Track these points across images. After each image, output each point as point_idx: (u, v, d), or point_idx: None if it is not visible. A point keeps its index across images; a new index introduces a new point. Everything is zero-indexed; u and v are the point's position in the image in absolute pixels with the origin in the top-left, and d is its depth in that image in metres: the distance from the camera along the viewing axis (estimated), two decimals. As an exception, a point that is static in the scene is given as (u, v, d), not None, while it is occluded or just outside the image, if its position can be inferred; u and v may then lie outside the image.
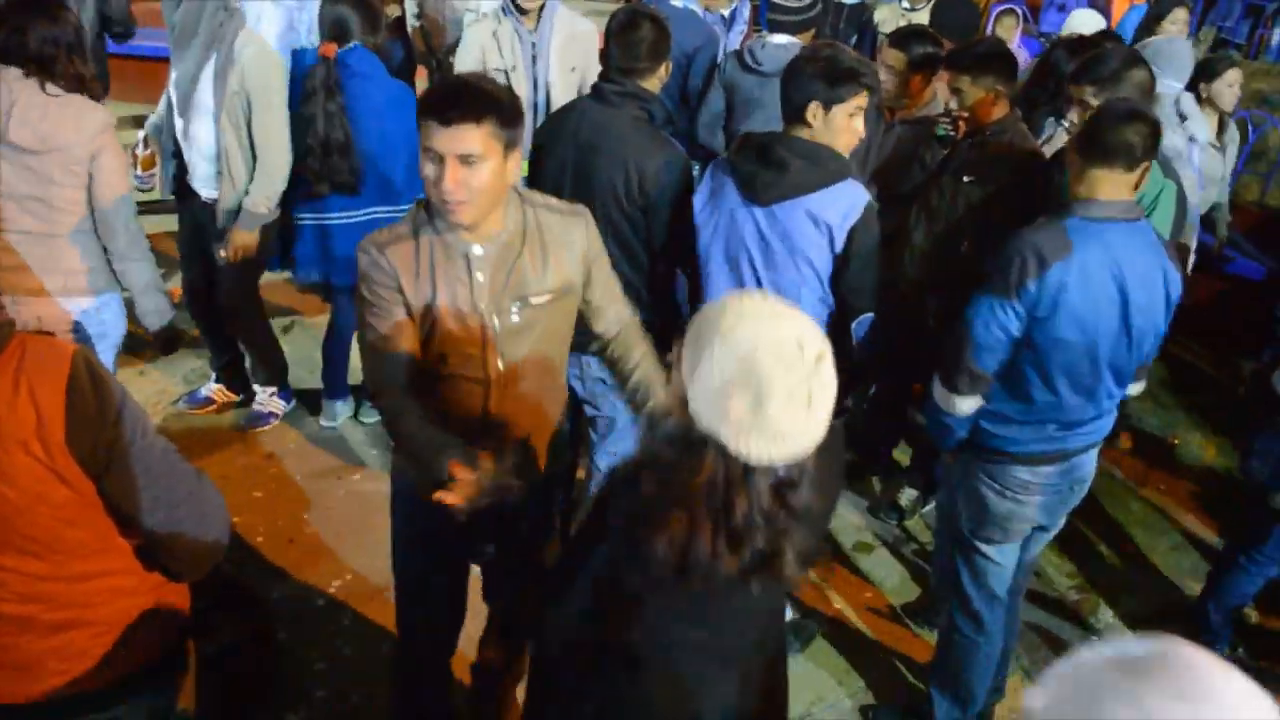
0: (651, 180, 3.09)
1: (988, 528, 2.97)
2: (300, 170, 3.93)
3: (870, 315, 2.98)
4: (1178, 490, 4.85)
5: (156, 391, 4.77)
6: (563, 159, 3.20)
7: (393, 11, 6.00)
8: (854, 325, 2.98)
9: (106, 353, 3.49)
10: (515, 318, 2.34)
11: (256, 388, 4.65)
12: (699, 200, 3.13)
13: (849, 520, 4.36)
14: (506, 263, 2.30)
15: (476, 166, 2.11)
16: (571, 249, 2.39)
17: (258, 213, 4.02)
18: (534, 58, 4.29)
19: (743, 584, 1.61)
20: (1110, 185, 2.66)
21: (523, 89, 4.23)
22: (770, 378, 1.47)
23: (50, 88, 3.14)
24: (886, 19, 5.86)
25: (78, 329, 3.39)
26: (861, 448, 4.54)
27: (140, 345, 5.12)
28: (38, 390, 1.64)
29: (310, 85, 3.83)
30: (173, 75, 4.03)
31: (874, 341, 3.00)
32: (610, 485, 1.86)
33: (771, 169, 2.90)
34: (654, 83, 3.24)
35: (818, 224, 2.89)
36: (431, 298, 2.28)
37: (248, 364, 4.65)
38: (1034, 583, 3.86)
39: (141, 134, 4.06)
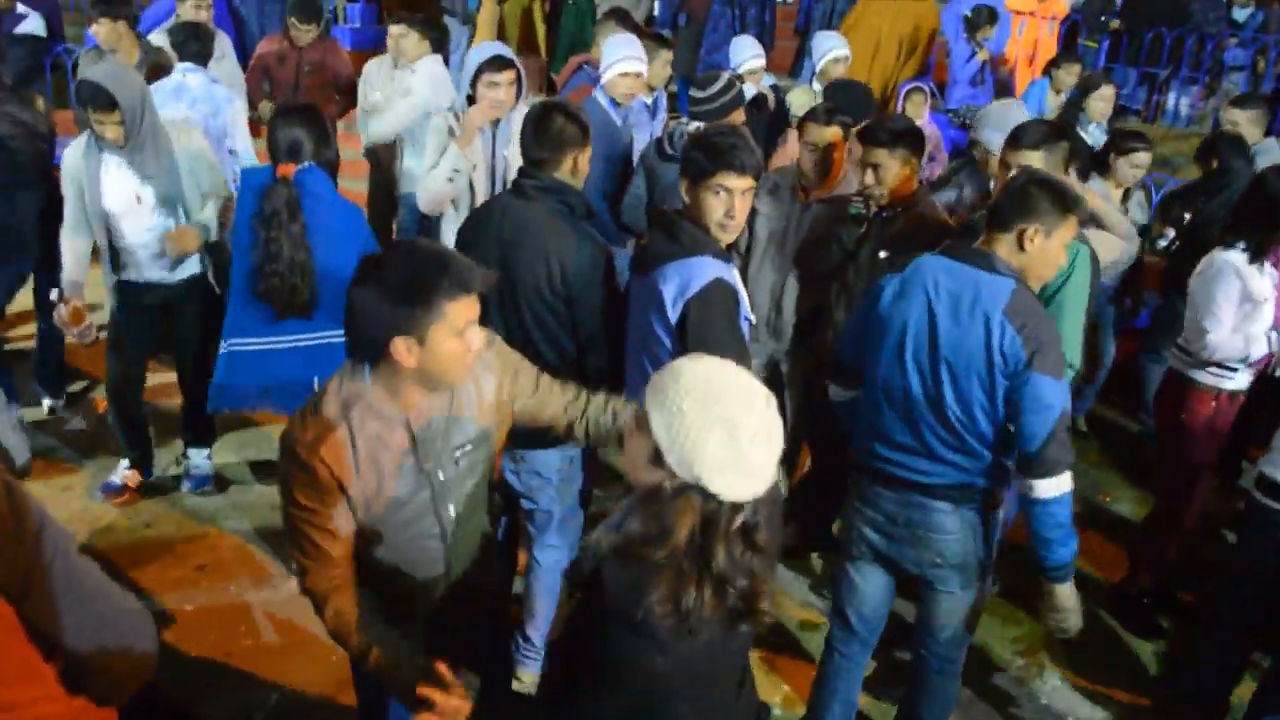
0: (573, 271, 3.13)
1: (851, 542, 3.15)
2: (261, 294, 3.80)
3: None
4: (1113, 549, 4.90)
5: (80, 508, 4.65)
6: (485, 255, 3.21)
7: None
8: None
9: None
10: (458, 465, 2.32)
11: (191, 451, 4.80)
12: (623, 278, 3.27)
13: (794, 598, 4.35)
14: (443, 414, 2.26)
15: None
16: (490, 374, 2.37)
17: (212, 229, 4.34)
18: (493, 156, 4.39)
19: (732, 629, 1.81)
20: (990, 241, 2.83)
21: (481, 185, 4.36)
22: (740, 418, 1.71)
23: None
24: (801, 102, 6.02)
25: None
26: (801, 525, 4.55)
27: (65, 460, 5.04)
28: None
29: (269, 207, 3.69)
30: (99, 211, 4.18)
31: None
32: (590, 573, 1.90)
33: (650, 243, 3.10)
34: (568, 173, 3.27)
35: (662, 293, 2.97)
36: (376, 475, 2.19)
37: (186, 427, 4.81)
38: (976, 650, 3.86)
39: (55, 297, 4.22)
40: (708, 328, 2.90)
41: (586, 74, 5.89)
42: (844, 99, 4.73)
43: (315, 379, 3.79)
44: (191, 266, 4.42)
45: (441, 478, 2.29)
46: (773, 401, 1.78)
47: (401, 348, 2.06)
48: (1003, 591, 4.32)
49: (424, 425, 2.22)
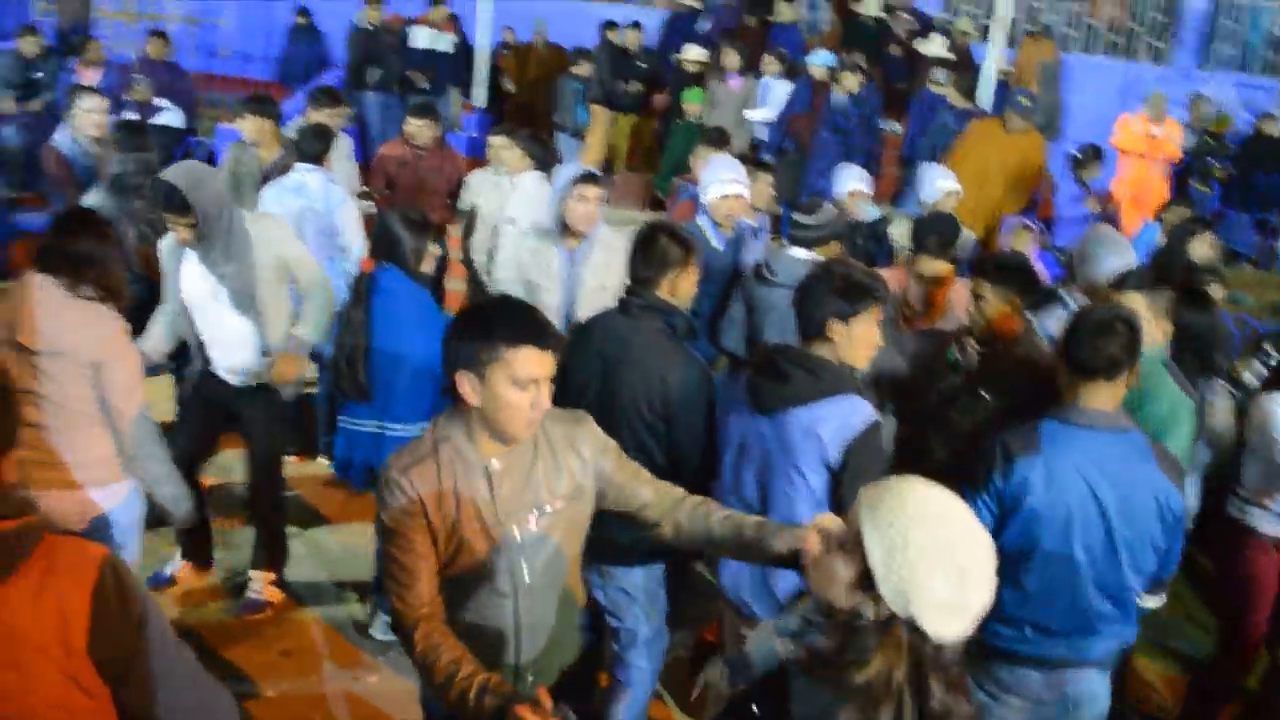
0: (675, 392, 3.17)
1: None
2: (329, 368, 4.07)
3: None
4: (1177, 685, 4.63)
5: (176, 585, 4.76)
6: (587, 370, 3.30)
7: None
8: None
9: (122, 538, 3.51)
10: (534, 526, 2.36)
11: (252, 573, 4.65)
12: (719, 409, 3.22)
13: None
14: (522, 473, 2.34)
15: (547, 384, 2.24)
16: (579, 453, 2.42)
17: (307, 341, 4.39)
18: (570, 272, 4.50)
19: None
20: (1091, 393, 2.70)
21: (553, 300, 4.45)
22: (967, 558, 1.61)
23: (70, 295, 3.24)
24: (904, 232, 6.05)
25: (95, 519, 3.42)
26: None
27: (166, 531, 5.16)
28: (64, 595, 1.67)
29: (350, 293, 4.06)
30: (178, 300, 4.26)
31: None
32: (762, 677, 1.89)
33: (775, 380, 2.99)
34: (667, 292, 3.33)
35: (809, 436, 2.93)
36: (455, 515, 2.29)
37: (251, 546, 4.68)
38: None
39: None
40: (865, 471, 2.87)
41: (688, 191, 6.02)
42: (933, 230, 4.76)
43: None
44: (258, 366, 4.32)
45: (516, 537, 2.33)
46: (991, 544, 1.70)
47: (465, 384, 2.20)
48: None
49: (502, 477, 2.31)
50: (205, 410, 4.50)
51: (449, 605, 2.35)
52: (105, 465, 3.42)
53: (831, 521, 1.94)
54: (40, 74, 9.15)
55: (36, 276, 3.27)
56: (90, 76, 9.29)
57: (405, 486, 2.27)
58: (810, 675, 1.73)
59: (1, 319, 3.25)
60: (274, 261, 4.19)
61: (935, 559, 1.60)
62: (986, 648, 2.86)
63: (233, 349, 4.26)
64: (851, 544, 1.71)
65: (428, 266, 4.21)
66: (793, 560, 2.08)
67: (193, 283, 4.18)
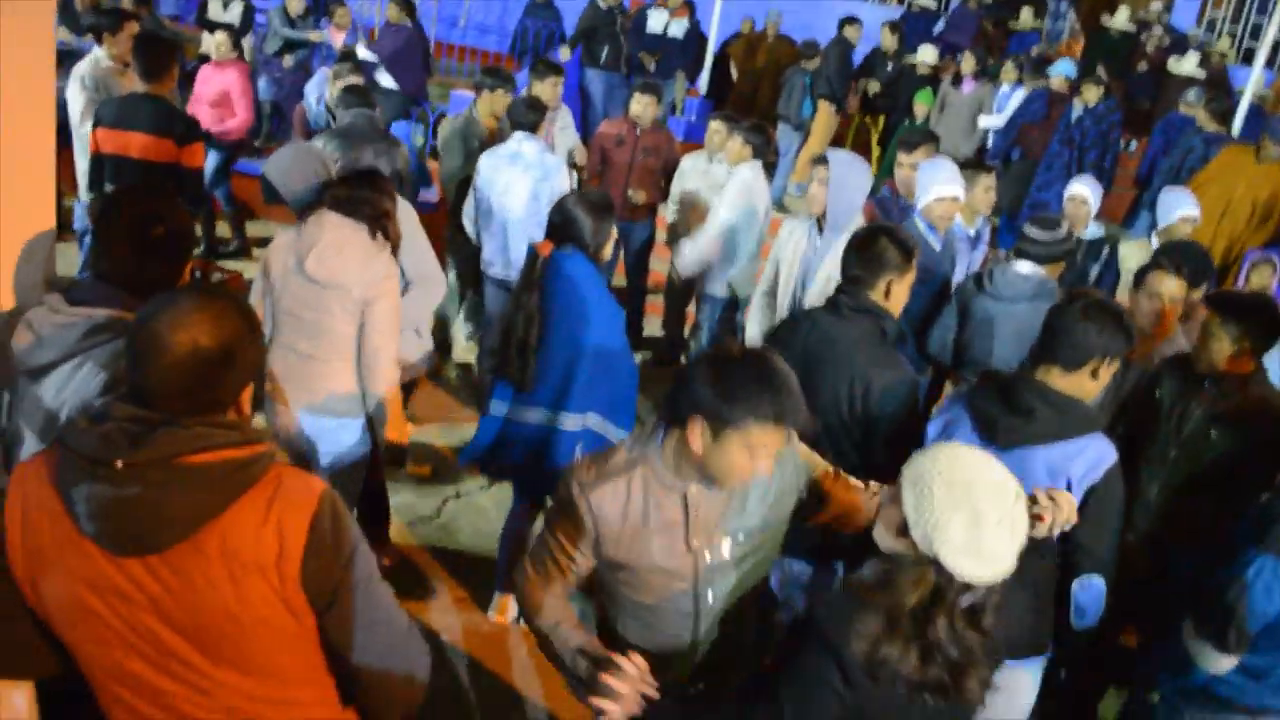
0: (876, 395, 3.10)
1: None
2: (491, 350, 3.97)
3: (1099, 581, 2.82)
4: None
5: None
6: (790, 362, 3.24)
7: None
8: (1076, 587, 2.83)
9: (353, 472, 3.82)
10: (727, 553, 2.34)
11: None
12: (932, 429, 3.09)
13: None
14: (721, 499, 2.30)
15: None
16: (784, 477, 2.39)
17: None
18: (812, 257, 4.51)
19: (920, 696, 1.88)
20: None
21: (788, 279, 4.52)
22: (985, 506, 1.85)
23: (358, 233, 3.57)
24: (1134, 255, 5.74)
25: (317, 445, 3.74)
26: (1065, 698, 4.24)
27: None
28: (285, 521, 1.76)
29: (521, 277, 3.83)
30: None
31: (1099, 612, 2.85)
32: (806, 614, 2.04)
33: (1016, 414, 2.84)
34: (881, 295, 3.26)
35: (1055, 476, 2.79)
36: (642, 536, 2.27)
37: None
38: None
39: None
40: (1107, 512, 2.80)
41: (876, 197, 5.89)
42: (1182, 260, 4.47)
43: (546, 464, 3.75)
44: None
45: (708, 560, 2.31)
46: (1023, 497, 1.92)
47: (696, 430, 2.14)
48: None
49: (701, 503, 2.27)
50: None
51: (626, 617, 2.39)
52: (349, 401, 3.71)
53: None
54: (300, 32, 9.68)
55: (328, 213, 3.58)
56: (338, 38, 9.79)
57: (585, 507, 2.27)
58: (845, 595, 1.96)
59: (292, 247, 3.59)
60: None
61: (954, 506, 1.85)
62: (1234, 705, 2.73)
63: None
64: (894, 497, 1.96)
65: (608, 252, 3.97)
66: None
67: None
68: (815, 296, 4.33)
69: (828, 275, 4.36)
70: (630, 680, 2.10)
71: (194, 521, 1.72)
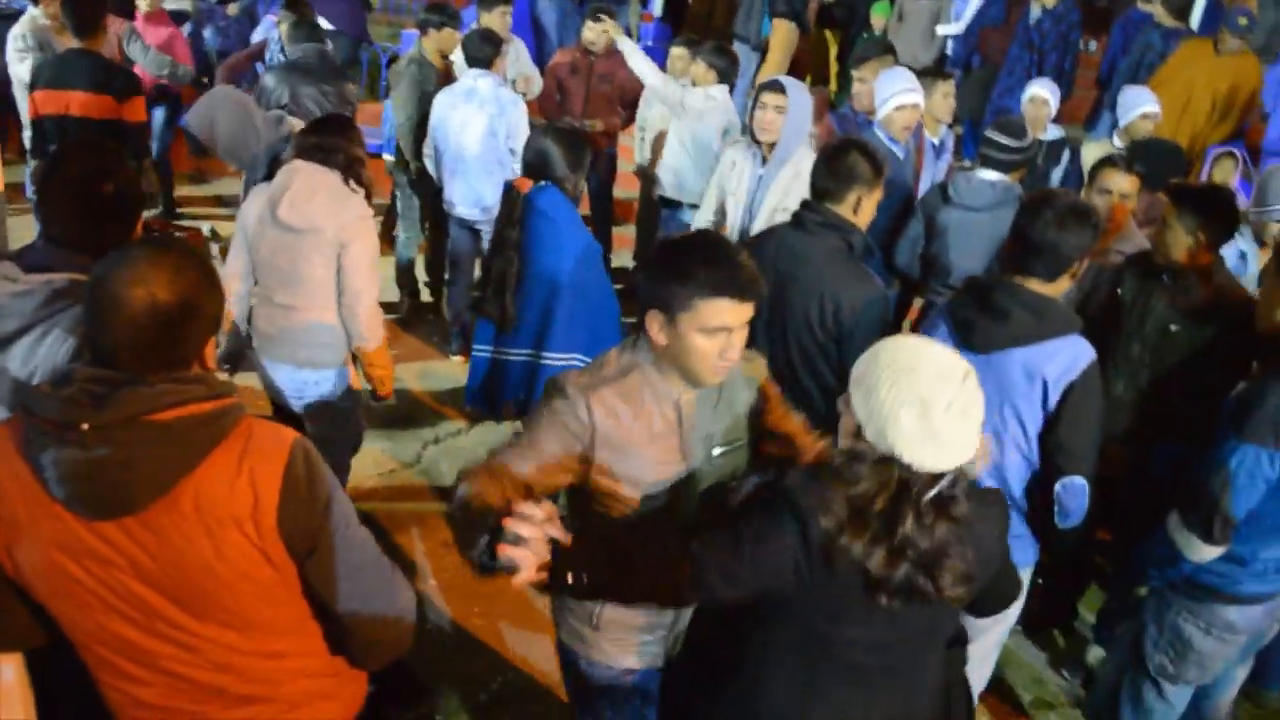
0: (847, 311, 3.09)
1: (1185, 667, 2.88)
2: (474, 287, 3.95)
3: (1080, 481, 2.83)
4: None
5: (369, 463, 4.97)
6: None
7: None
8: (1059, 487, 2.85)
9: (339, 420, 3.88)
10: (711, 458, 2.34)
11: None
12: None
13: (1029, 673, 4.14)
14: (709, 408, 2.31)
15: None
16: (752, 389, 2.43)
17: None
18: (756, 188, 4.43)
19: (879, 594, 1.85)
20: None
21: (736, 213, 4.41)
22: (933, 392, 1.79)
23: (330, 177, 3.58)
24: (1097, 156, 5.73)
25: (302, 396, 3.80)
26: (1045, 599, 4.32)
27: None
28: (258, 472, 1.75)
29: (500, 213, 3.80)
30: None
31: (1083, 510, 2.88)
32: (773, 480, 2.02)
33: (992, 318, 2.84)
34: (850, 210, 3.23)
35: (1032, 377, 2.80)
36: (636, 438, 2.23)
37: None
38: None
39: None
40: (1085, 411, 2.81)
41: (833, 113, 5.84)
42: (1153, 159, 4.47)
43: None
44: None
45: (694, 464, 2.30)
46: (972, 375, 1.85)
47: (654, 323, 2.14)
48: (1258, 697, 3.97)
49: (689, 411, 2.26)
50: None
51: (616, 523, 2.31)
52: (331, 350, 3.76)
53: None
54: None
55: (298, 162, 3.61)
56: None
57: (581, 407, 2.18)
58: (814, 472, 1.93)
59: (264, 196, 3.62)
60: None
61: (901, 398, 1.80)
62: (1222, 594, 2.79)
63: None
64: (846, 402, 1.92)
65: (582, 185, 3.96)
66: None
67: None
68: (762, 225, 4.27)
69: (774, 206, 4.32)
70: (533, 522, 1.85)
71: (166, 479, 1.70)
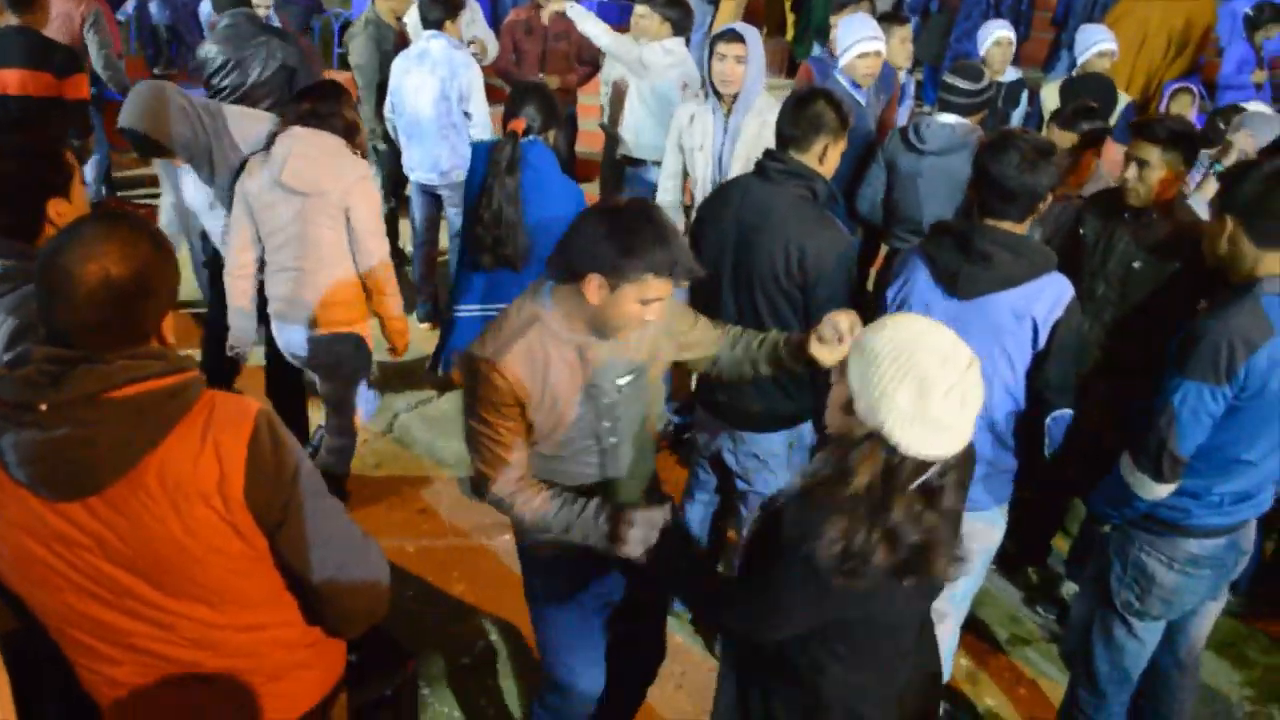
0: (812, 259, 3.07)
1: (1151, 602, 2.90)
2: (469, 238, 3.90)
3: (1069, 413, 2.91)
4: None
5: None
6: (723, 234, 3.22)
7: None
8: (1049, 421, 2.91)
9: (346, 381, 4.07)
10: (619, 393, 2.46)
11: None
12: (890, 293, 3.07)
13: (1004, 611, 4.20)
14: (610, 343, 2.40)
15: None
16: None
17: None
18: (723, 140, 4.36)
19: (900, 579, 1.84)
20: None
21: (705, 168, 4.36)
22: (932, 374, 1.74)
23: (328, 140, 3.72)
24: (1054, 96, 5.75)
25: (318, 358, 3.98)
26: (1019, 537, 4.37)
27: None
28: (222, 446, 1.72)
29: (496, 158, 3.76)
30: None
31: (1070, 440, 2.94)
32: (775, 510, 1.99)
33: (975, 263, 2.85)
34: (815, 158, 3.22)
35: (1021, 318, 2.83)
36: (551, 390, 2.35)
37: None
38: (1204, 690, 3.64)
39: None
40: (1069, 344, 2.87)
41: (811, 58, 5.81)
42: (1088, 92, 4.49)
43: None
44: None
45: (606, 401, 2.44)
46: (976, 366, 1.79)
47: (594, 285, 2.22)
48: (1235, 633, 4.04)
49: (595, 352, 2.38)
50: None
51: (538, 461, 2.46)
52: (350, 307, 3.90)
53: (844, 315, 2.37)
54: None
55: (296, 128, 3.72)
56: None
57: (498, 378, 2.30)
58: (805, 498, 1.87)
59: (263, 166, 3.72)
60: None
61: (902, 374, 1.75)
62: (1180, 527, 2.80)
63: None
64: (842, 369, 1.89)
65: (560, 141, 4.02)
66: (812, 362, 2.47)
67: (193, 189, 4.25)
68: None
69: (746, 157, 4.24)
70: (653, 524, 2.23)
71: (129, 457, 1.68)
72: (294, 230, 3.73)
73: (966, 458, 1.87)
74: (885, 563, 1.80)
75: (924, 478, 1.79)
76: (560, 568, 2.65)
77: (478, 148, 3.96)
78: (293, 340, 3.95)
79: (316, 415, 4.56)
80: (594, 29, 5.66)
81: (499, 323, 2.38)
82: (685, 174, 4.63)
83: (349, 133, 3.80)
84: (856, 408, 1.80)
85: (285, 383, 4.46)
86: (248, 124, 4.12)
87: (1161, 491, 2.72)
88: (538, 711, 2.91)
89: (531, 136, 3.80)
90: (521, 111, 3.80)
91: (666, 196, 4.71)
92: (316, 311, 3.85)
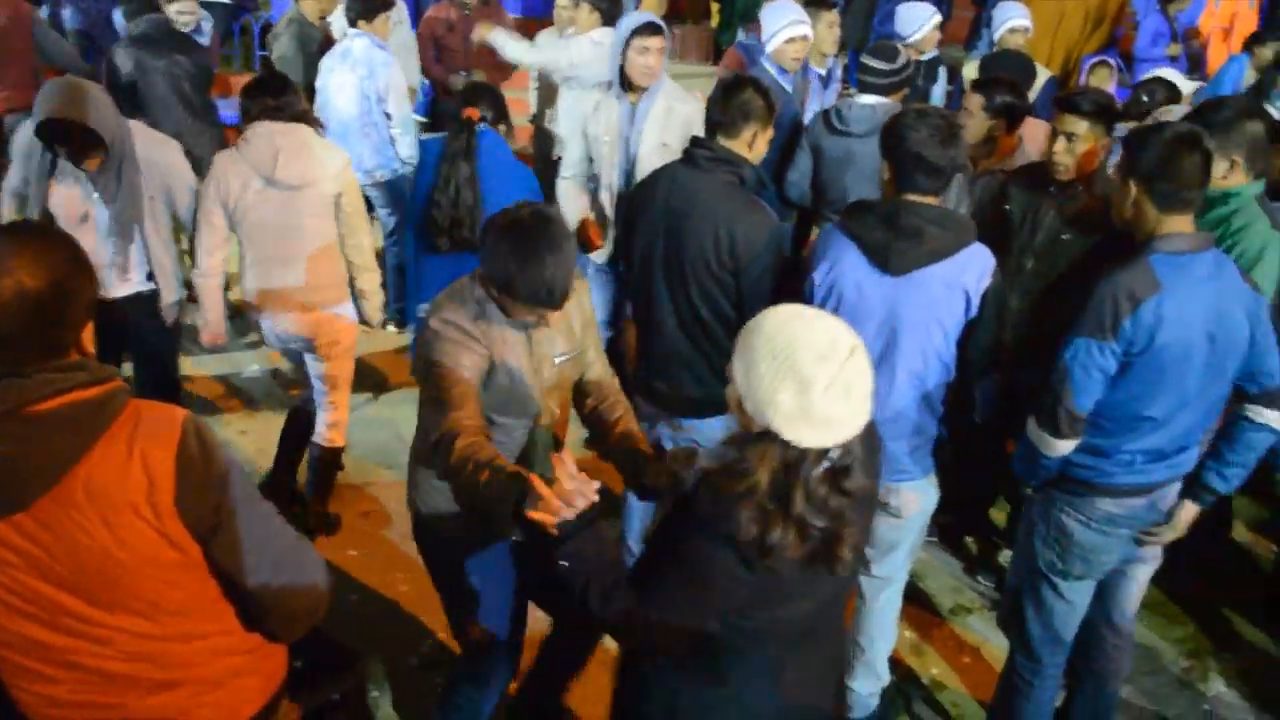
0: (742, 244, 3.10)
1: (1071, 561, 2.95)
2: (425, 224, 3.98)
3: (998, 377, 3.02)
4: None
5: (257, 450, 4.89)
6: (653, 223, 3.24)
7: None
8: (979, 388, 3.02)
9: (344, 356, 4.18)
10: (554, 374, 2.67)
11: None
12: (818, 276, 3.04)
13: (946, 582, 4.27)
14: (549, 327, 2.59)
15: None
16: (582, 311, 2.79)
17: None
18: (630, 127, 4.32)
19: (812, 570, 1.85)
20: (1180, 221, 2.67)
21: (614, 156, 4.32)
22: (809, 371, 1.75)
23: (306, 132, 3.83)
24: (975, 75, 5.83)
25: (313, 340, 4.06)
26: (956, 508, 4.45)
27: (244, 404, 5.30)
28: (149, 455, 1.70)
29: (451, 145, 3.85)
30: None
31: (994, 401, 3.06)
32: (689, 486, 1.98)
33: (904, 238, 2.86)
34: (744, 145, 3.24)
35: (952, 288, 2.87)
36: (501, 351, 2.54)
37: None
38: (1140, 649, 3.73)
39: None
40: (994, 311, 2.93)
41: (739, 43, 5.83)
42: (1005, 69, 4.57)
43: None
44: (138, 284, 3.94)
45: (544, 377, 2.65)
46: (858, 351, 1.80)
47: (491, 289, 2.48)
48: (1169, 593, 4.15)
49: (539, 332, 2.60)
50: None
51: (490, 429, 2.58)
52: (340, 286, 4.05)
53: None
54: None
55: (268, 124, 3.77)
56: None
57: (453, 325, 2.48)
58: (712, 486, 1.85)
59: (241, 164, 3.76)
60: (163, 182, 3.85)
61: (781, 375, 1.76)
62: (1096, 486, 2.85)
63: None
64: (730, 370, 1.89)
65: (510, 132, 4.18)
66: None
67: (63, 199, 3.69)
68: (648, 165, 4.04)
69: (655, 143, 4.23)
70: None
71: (54, 471, 1.65)
72: (282, 222, 3.82)
73: (867, 432, 1.87)
74: (797, 553, 1.81)
75: (825, 465, 1.81)
76: (460, 528, 2.83)
77: (428, 144, 4.14)
78: (289, 328, 4.01)
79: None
80: (519, 54, 5.68)
81: (458, 288, 2.57)
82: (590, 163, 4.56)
83: (306, 118, 3.90)
84: (745, 408, 1.83)
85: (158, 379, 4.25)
86: (156, 149, 3.85)
87: (1063, 447, 2.78)
88: (462, 688, 3.05)
89: (484, 126, 3.94)
90: (476, 104, 3.94)
91: (569, 184, 4.62)
92: (312, 295, 3.95)
